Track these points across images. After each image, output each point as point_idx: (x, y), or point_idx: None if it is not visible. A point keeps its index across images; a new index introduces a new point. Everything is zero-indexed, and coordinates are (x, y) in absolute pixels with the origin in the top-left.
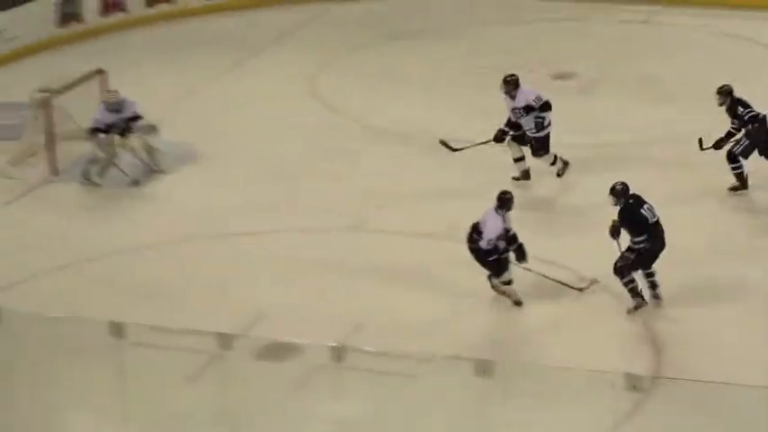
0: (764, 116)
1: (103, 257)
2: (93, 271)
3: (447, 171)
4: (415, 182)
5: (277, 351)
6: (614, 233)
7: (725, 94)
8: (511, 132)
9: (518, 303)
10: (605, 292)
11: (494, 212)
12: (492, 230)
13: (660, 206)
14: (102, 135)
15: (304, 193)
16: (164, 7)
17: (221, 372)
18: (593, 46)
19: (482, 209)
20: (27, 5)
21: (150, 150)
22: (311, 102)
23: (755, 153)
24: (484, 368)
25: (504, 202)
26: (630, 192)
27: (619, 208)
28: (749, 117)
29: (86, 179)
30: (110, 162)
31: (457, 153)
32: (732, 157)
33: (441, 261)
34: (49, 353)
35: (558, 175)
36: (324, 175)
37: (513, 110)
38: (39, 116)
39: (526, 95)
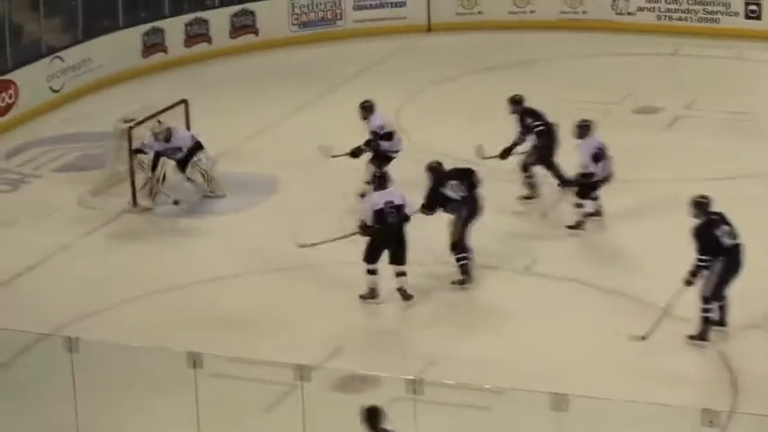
0: (552, 127)
1: (182, 288)
2: (171, 301)
3: (528, 204)
4: (494, 218)
5: (354, 383)
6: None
7: (515, 103)
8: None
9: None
10: (679, 323)
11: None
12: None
13: (747, 242)
14: (141, 155)
15: None
16: (247, 39)
17: (298, 403)
18: (681, 81)
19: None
20: (113, 35)
21: (207, 177)
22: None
23: None
24: (559, 401)
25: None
26: (713, 209)
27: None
28: (538, 129)
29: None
30: (155, 184)
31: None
32: (525, 168)
33: (513, 296)
34: (127, 382)
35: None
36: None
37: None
38: (121, 146)
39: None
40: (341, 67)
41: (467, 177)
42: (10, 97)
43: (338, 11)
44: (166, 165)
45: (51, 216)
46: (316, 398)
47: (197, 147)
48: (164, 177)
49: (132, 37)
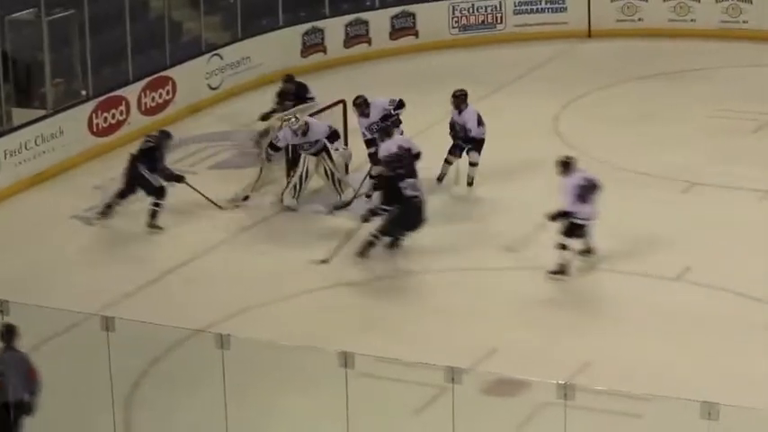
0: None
1: (332, 287)
2: (322, 300)
3: (685, 212)
4: (650, 222)
5: (505, 387)
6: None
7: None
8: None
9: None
10: None
11: None
12: None
13: None
14: (273, 152)
15: (541, 231)
16: (407, 41)
17: (448, 405)
18: None
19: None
20: (273, 33)
21: (333, 176)
22: (553, 140)
23: None
24: (709, 410)
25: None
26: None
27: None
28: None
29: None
30: (299, 181)
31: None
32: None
33: (670, 304)
34: (278, 381)
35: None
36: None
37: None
38: None
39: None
40: (500, 71)
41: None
42: (168, 93)
43: (499, 14)
44: (309, 161)
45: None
46: (466, 401)
47: (333, 135)
48: (307, 174)
49: (292, 36)
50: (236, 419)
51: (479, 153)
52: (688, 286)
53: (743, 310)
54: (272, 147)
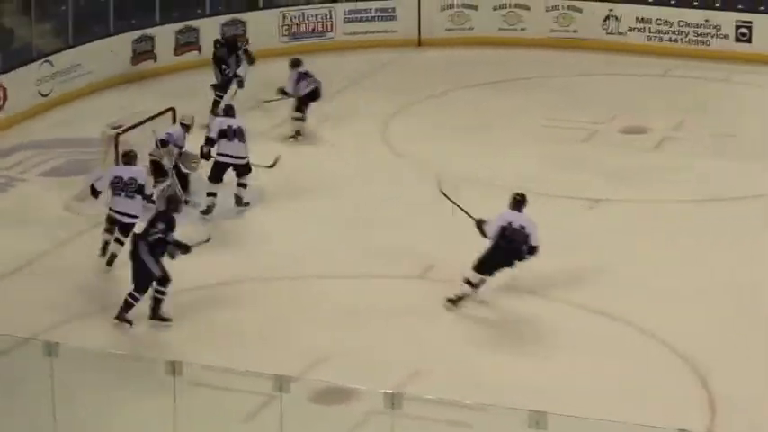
0: None
1: (169, 295)
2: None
3: None
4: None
5: (333, 395)
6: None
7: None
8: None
9: None
10: (661, 347)
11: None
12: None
13: (728, 262)
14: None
15: (371, 238)
16: None
17: (277, 414)
18: (669, 102)
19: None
20: (103, 41)
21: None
22: (381, 147)
23: None
24: (537, 419)
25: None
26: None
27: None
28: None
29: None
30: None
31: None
32: None
33: (499, 310)
34: (105, 389)
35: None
36: (392, 222)
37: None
38: (108, 152)
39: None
40: (329, 79)
41: None
42: None
43: (329, 23)
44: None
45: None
46: (294, 409)
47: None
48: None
49: (122, 43)
50: (64, 429)
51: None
52: (514, 292)
53: (568, 317)
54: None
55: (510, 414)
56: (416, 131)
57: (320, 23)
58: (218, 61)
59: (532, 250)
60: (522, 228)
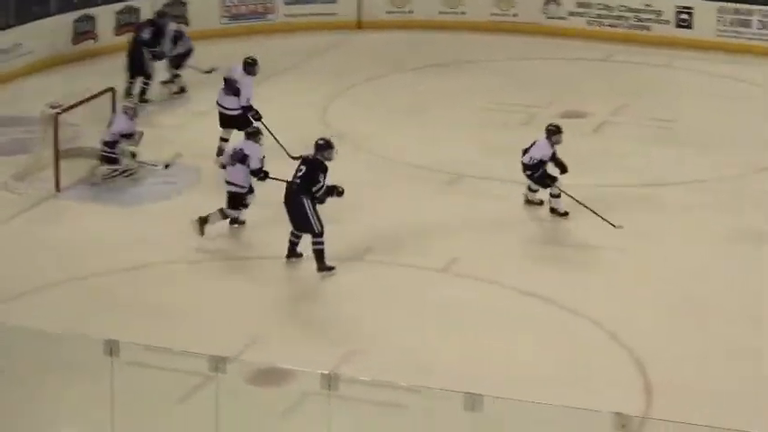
0: None
1: (105, 275)
2: (93, 288)
3: (453, 204)
4: (418, 214)
5: (269, 376)
6: None
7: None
8: None
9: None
10: (598, 331)
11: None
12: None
13: (667, 248)
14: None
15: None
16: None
17: (213, 394)
18: (609, 87)
19: (485, 240)
20: (44, 21)
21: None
22: (321, 130)
23: None
24: (472, 402)
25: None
26: None
27: None
28: None
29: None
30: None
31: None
32: None
33: (438, 293)
34: (42, 369)
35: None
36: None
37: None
38: (47, 132)
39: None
40: (270, 61)
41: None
42: None
43: (270, 4)
44: None
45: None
46: (230, 390)
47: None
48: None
49: (63, 23)
50: None
51: None
52: (454, 278)
53: (507, 302)
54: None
55: (446, 396)
56: (354, 113)
57: (261, 5)
58: (143, 45)
59: None
60: None
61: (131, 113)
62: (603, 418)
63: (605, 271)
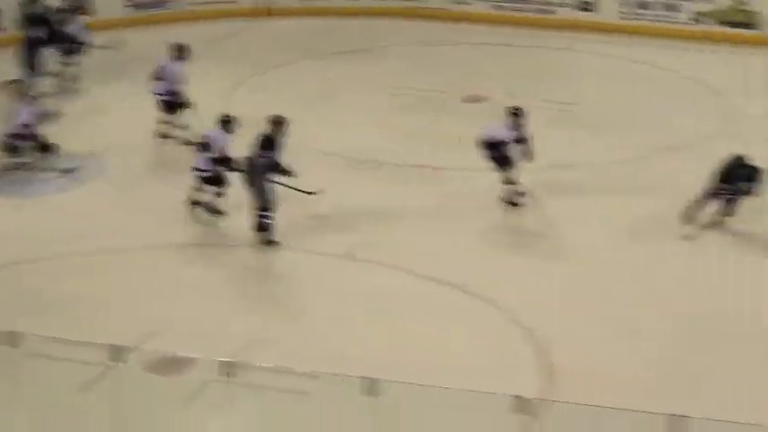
0: None
1: (7, 266)
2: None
3: (366, 190)
4: (330, 200)
5: (169, 365)
6: None
7: None
8: None
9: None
10: (497, 313)
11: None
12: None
13: (572, 231)
14: None
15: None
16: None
17: (113, 384)
18: (512, 71)
19: (396, 227)
20: None
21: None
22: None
23: None
24: (370, 386)
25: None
26: None
27: None
28: None
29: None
30: None
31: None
32: None
33: (336, 278)
34: None
35: None
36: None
37: None
38: None
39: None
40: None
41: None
42: None
43: None
44: None
45: None
46: (131, 379)
47: None
48: None
49: None
50: None
51: None
52: (360, 264)
53: (412, 287)
54: None
55: (344, 382)
56: (260, 101)
57: None
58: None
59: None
60: None
61: (35, 102)
62: (502, 401)
63: (508, 255)
